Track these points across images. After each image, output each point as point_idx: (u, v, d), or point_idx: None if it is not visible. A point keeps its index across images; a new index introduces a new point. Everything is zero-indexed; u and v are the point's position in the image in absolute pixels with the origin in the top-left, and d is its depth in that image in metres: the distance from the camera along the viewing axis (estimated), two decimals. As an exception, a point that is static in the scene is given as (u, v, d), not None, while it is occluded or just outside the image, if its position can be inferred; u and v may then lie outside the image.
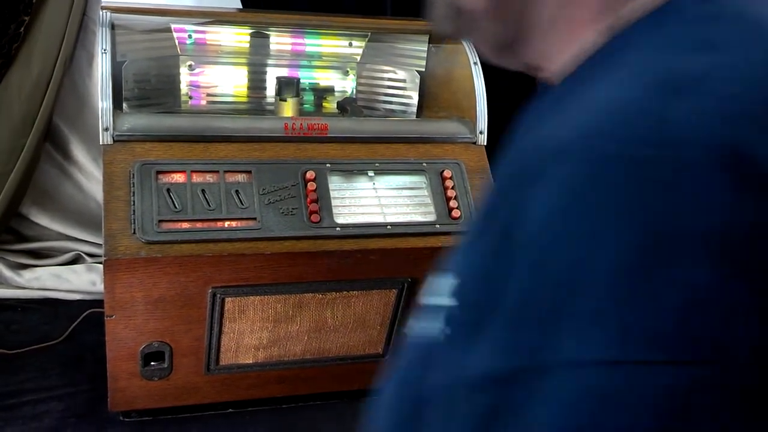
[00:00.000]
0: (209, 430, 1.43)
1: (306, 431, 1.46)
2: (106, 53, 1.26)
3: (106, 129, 1.24)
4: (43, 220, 1.95)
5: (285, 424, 1.47)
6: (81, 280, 1.90)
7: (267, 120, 1.36)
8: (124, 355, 1.31)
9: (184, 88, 1.61)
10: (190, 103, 1.63)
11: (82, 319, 1.72)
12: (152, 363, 1.34)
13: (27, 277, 1.91)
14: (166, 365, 1.34)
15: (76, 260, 1.96)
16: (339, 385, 1.50)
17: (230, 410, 1.48)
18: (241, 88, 1.66)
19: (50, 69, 1.78)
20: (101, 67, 1.25)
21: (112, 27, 1.41)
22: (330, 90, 1.72)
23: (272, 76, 1.61)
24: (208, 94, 1.64)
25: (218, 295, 1.27)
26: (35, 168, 1.88)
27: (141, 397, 1.38)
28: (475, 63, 1.45)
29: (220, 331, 1.33)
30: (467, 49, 1.46)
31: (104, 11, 1.34)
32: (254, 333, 1.35)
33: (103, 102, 1.24)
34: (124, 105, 1.49)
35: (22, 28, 1.75)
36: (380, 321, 1.41)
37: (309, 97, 1.72)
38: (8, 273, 1.91)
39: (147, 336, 1.29)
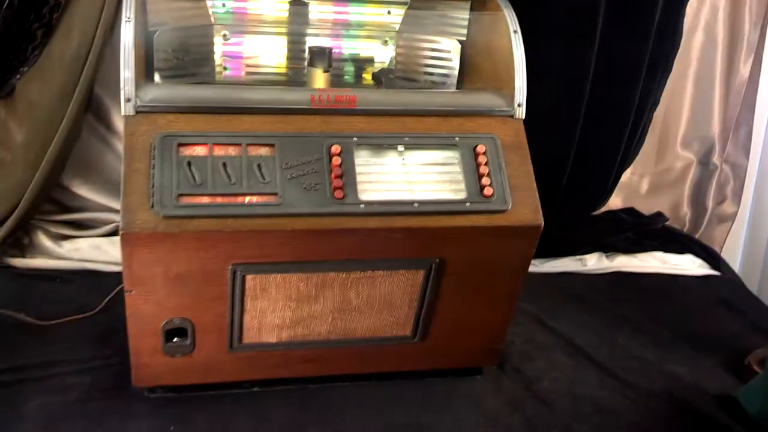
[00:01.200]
0: (234, 408, 1.40)
1: (333, 412, 1.42)
2: (129, 22, 1.22)
3: (128, 100, 1.21)
4: (84, 191, 1.95)
5: (311, 404, 1.43)
6: (120, 252, 1.90)
7: (293, 91, 1.31)
8: (146, 331, 1.29)
9: (218, 59, 1.58)
10: (224, 74, 1.59)
11: (117, 292, 1.71)
12: (175, 339, 1.32)
13: (67, 247, 1.92)
14: (188, 342, 1.32)
15: (116, 232, 1.96)
16: (367, 366, 1.46)
17: (256, 389, 1.45)
18: (276, 59, 1.61)
19: (90, 39, 1.76)
20: (123, 36, 1.21)
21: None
22: (370, 60, 1.66)
23: (309, 46, 1.56)
24: (244, 65, 1.61)
25: (239, 272, 1.24)
26: (76, 139, 1.88)
27: (164, 374, 1.37)
28: (515, 31, 1.37)
29: (242, 309, 1.29)
30: (507, 16, 1.38)
31: (130, -21, 1.30)
32: (277, 312, 1.31)
33: (125, 72, 1.21)
34: (156, 75, 1.47)
35: (63, -2, 1.74)
36: (407, 302, 1.36)
37: (349, 68, 1.67)
38: (49, 243, 1.92)
39: (168, 312, 1.27)
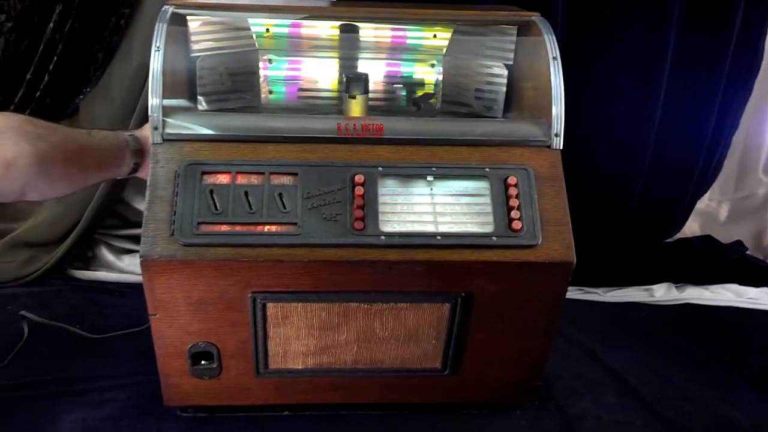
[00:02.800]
0: (264, 431, 1.41)
1: (361, 441, 1.41)
2: (159, 51, 1.25)
3: (156, 128, 1.23)
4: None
5: (340, 430, 1.42)
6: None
7: (319, 120, 1.30)
8: (173, 353, 1.31)
9: (263, 84, 1.59)
10: (269, 98, 1.61)
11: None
12: (203, 362, 1.33)
13: (127, 262, 1.99)
14: (215, 365, 1.33)
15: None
16: (397, 397, 1.43)
17: (287, 413, 1.45)
18: (321, 84, 1.62)
19: (148, 60, 1.81)
20: (153, 65, 1.24)
21: (183, 23, 1.41)
22: (418, 84, 1.64)
23: (345, 72, 1.55)
24: (289, 90, 1.62)
25: (258, 300, 1.24)
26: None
27: (194, 395, 1.38)
28: (554, 58, 1.31)
29: (266, 336, 1.29)
30: (547, 41, 1.33)
31: (166, 6, 1.33)
32: (301, 339, 1.31)
33: (152, 100, 1.23)
34: (201, 100, 1.49)
35: (123, 21, 1.80)
36: (435, 335, 1.33)
37: (403, 93, 1.65)
38: (111, 257, 1.99)
39: (192, 336, 1.29)
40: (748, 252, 2.27)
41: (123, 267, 1.99)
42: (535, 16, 1.41)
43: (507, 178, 1.27)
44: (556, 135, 1.30)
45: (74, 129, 1.32)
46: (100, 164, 1.32)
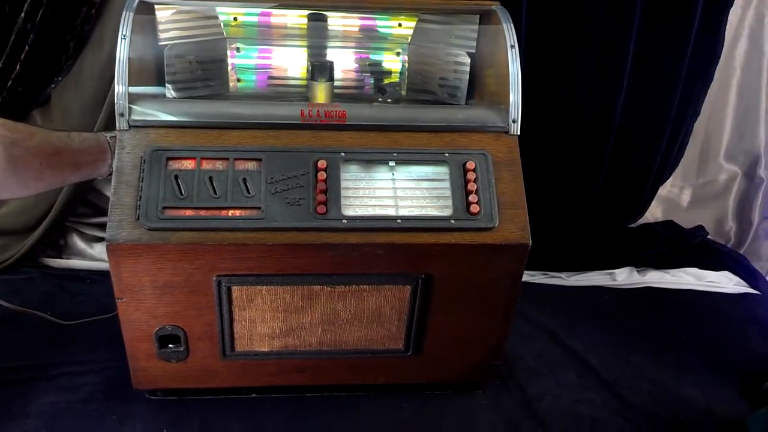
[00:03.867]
0: (231, 414, 1.44)
1: (327, 421, 1.44)
2: (125, 39, 1.27)
3: (122, 114, 1.25)
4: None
5: (306, 412, 1.46)
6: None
7: (283, 106, 1.33)
8: (140, 337, 1.33)
9: (231, 72, 1.62)
10: (237, 86, 1.63)
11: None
12: (170, 345, 1.36)
13: (99, 249, 2.01)
14: (182, 348, 1.36)
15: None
16: (362, 378, 1.47)
17: (254, 395, 1.48)
18: (288, 72, 1.64)
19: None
20: (119, 53, 1.26)
21: (152, 12, 1.43)
22: (385, 73, 1.67)
23: (311, 60, 1.58)
24: (258, 78, 1.64)
25: (223, 284, 1.27)
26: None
27: (162, 378, 1.41)
28: (512, 46, 1.35)
29: (231, 319, 1.32)
30: (506, 30, 1.36)
31: (133, -4, 1.35)
32: (266, 322, 1.34)
33: (118, 87, 1.25)
34: (169, 88, 1.51)
35: (94, 10, 1.81)
36: (397, 317, 1.36)
37: (370, 81, 1.69)
38: (82, 245, 2.01)
39: (159, 319, 1.31)
40: (709, 237, 2.32)
41: (95, 254, 2.01)
42: (495, 5, 1.45)
43: (466, 163, 1.30)
44: (514, 121, 1.34)
45: (53, 131, 1.34)
46: (77, 165, 1.34)
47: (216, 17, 1.55)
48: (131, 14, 1.30)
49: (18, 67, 1.78)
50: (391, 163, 1.30)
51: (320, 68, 1.48)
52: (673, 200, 2.35)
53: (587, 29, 1.92)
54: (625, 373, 1.65)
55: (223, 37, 1.57)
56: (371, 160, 1.30)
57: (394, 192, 1.28)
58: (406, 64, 1.66)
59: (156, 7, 1.44)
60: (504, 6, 1.44)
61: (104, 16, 1.82)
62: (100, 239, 2.03)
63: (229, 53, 1.60)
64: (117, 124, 1.26)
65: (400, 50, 1.65)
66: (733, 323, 1.92)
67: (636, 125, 2.05)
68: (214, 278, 1.26)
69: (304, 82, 1.64)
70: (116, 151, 1.25)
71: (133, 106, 1.26)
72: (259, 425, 1.42)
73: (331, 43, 1.63)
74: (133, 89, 1.27)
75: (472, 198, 1.27)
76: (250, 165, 1.27)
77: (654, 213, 2.35)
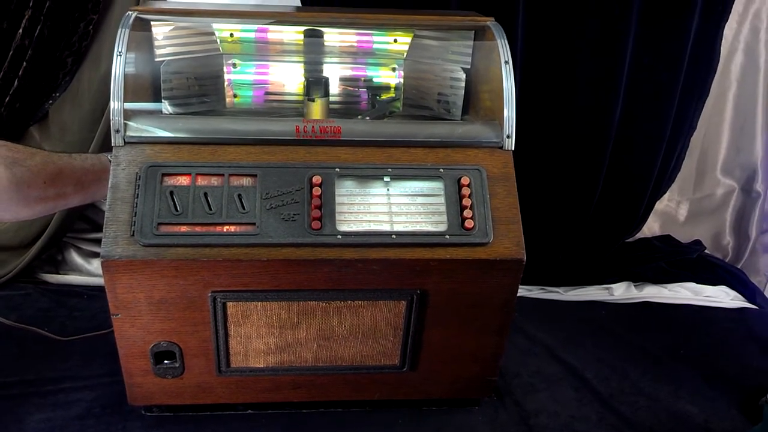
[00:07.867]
0: (227, 430, 1.44)
1: (323, 438, 1.44)
2: (120, 56, 1.27)
3: (117, 131, 1.26)
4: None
5: (302, 428, 1.45)
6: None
7: (278, 122, 1.34)
8: (136, 353, 1.33)
9: (227, 88, 1.63)
10: (234, 102, 1.64)
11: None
12: (165, 361, 1.36)
13: (96, 265, 2.01)
14: (178, 365, 1.36)
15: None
16: (357, 394, 1.47)
17: (249, 411, 1.48)
18: (284, 88, 1.65)
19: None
20: (114, 69, 1.26)
21: (148, 28, 1.44)
22: (382, 88, 1.68)
23: (306, 75, 1.59)
24: (255, 94, 1.65)
25: (219, 299, 1.27)
26: (106, 160, 1.96)
27: (157, 394, 1.41)
28: (506, 62, 1.35)
29: (226, 335, 1.32)
30: (500, 46, 1.37)
31: (129, 12, 1.35)
32: (261, 338, 1.34)
33: (114, 103, 1.26)
34: (166, 104, 1.52)
35: (91, 27, 1.82)
36: (392, 332, 1.36)
37: (366, 96, 1.69)
38: (80, 260, 2.01)
39: (155, 336, 1.31)
40: (706, 251, 2.32)
41: (92, 270, 2.01)
42: (490, 21, 1.45)
43: (460, 178, 1.30)
44: (508, 136, 1.35)
45: (54, 152, 1.35)
46: (81, 184, 1.35)
47: (212, 33, 1.55)
48: (127, 31, 1.31)
49: (16, 83, 1.79)
50: (386, 179, 1.31)
51: (316, 84, 1.49)
52: (670, 214, 2.35)
53: (583, 44, 1.93)
54: (622, 389, 1.64)
55: (219, 53, 1.58)
56: (366, 175, 1.30)
57: (389, 207, 1.29)
58: (402, 80, 1.66)
59: (152, 23, 1.46)
60: (499, 22, 1.45)
61: (102, 32, 1.84)
62: (98, 255, 2.01)
63: (225, 69, 1.61)
64: (113, 140, 1.26)
65: (395, 66, 1.66)
66: (731, 338, 1.91)
67: (632, 140, 2.06)
68: (209, 294, 1.26)
69: (300, 98, 1.64)
70: (111, 167, 1.25)
71: (129, 123, 1.27)
72: (254, 441, 1.42)
73: (327, 59, 1.64)
74: (129, 105, 1.28)
75: (467, 213, 1.28)
76: (245, 181, 1.27)
77: (651, 227, 2.35)
